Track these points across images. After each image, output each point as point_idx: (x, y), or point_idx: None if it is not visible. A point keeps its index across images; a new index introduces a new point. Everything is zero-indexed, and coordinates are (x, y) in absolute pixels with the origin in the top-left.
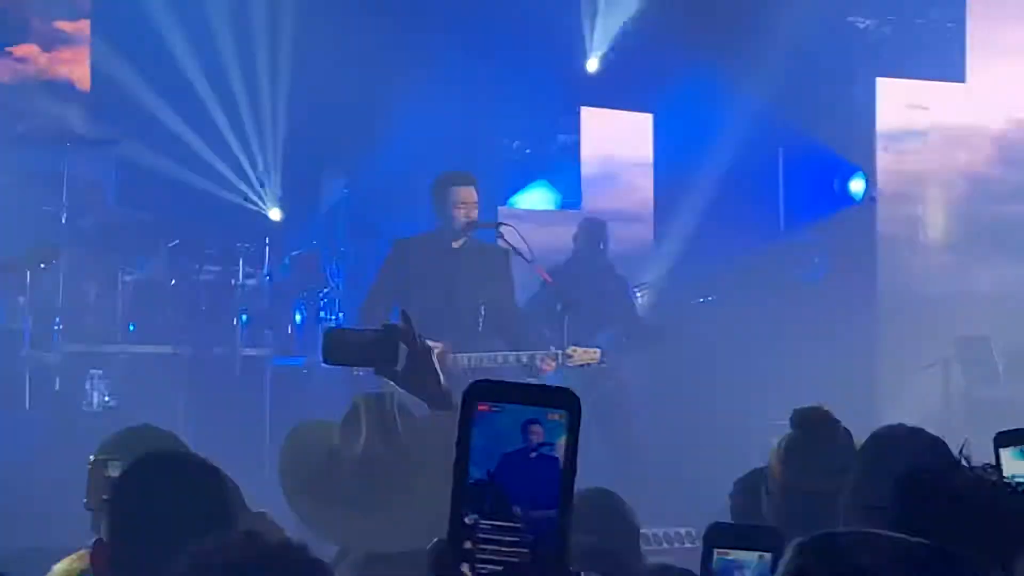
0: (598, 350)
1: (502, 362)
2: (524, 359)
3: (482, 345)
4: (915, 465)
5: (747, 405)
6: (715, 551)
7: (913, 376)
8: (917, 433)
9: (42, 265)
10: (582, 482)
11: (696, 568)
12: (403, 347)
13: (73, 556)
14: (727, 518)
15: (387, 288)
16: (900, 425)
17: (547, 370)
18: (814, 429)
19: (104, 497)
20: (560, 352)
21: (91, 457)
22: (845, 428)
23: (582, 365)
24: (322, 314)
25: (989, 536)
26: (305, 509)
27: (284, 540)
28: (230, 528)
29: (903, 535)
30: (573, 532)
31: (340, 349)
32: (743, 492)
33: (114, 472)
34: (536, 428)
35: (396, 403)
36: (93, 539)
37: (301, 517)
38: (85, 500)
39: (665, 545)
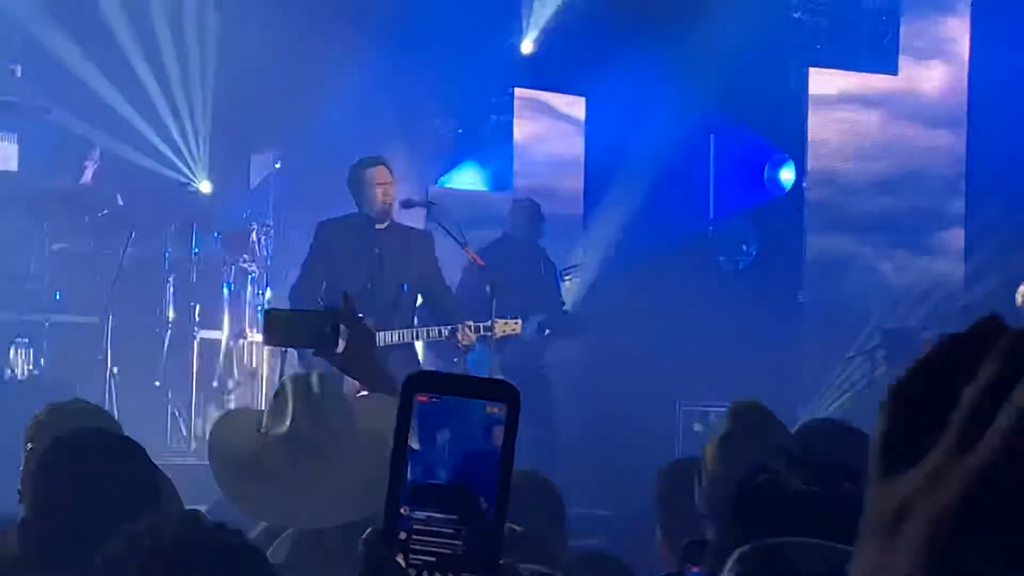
0: (519, 321)
1: (426, 337)
2: (445, 332)
3: (406, 325)
4: (758, 466)
5: (672, 390)
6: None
7: (839, 366)
8: (844, 427)
9: None
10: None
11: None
12: (343, 329)
13: None
14: (651, 505)
15: (316, 270)
16: (828, 419)
17: (466, 342)
18: (750, 422)
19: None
20: (481, 325)
21: (28, 444)
22: (782, 423)
23: (503, 336)
24: (250, 288)
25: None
26: (231, 487)
27: (219, 523)
28: (157, 510)
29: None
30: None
31: (280, 330)
32: (668, 482)
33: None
34: (474, 421)
35: (323, 383)
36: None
37: (228, 495)
38: (19, 488)
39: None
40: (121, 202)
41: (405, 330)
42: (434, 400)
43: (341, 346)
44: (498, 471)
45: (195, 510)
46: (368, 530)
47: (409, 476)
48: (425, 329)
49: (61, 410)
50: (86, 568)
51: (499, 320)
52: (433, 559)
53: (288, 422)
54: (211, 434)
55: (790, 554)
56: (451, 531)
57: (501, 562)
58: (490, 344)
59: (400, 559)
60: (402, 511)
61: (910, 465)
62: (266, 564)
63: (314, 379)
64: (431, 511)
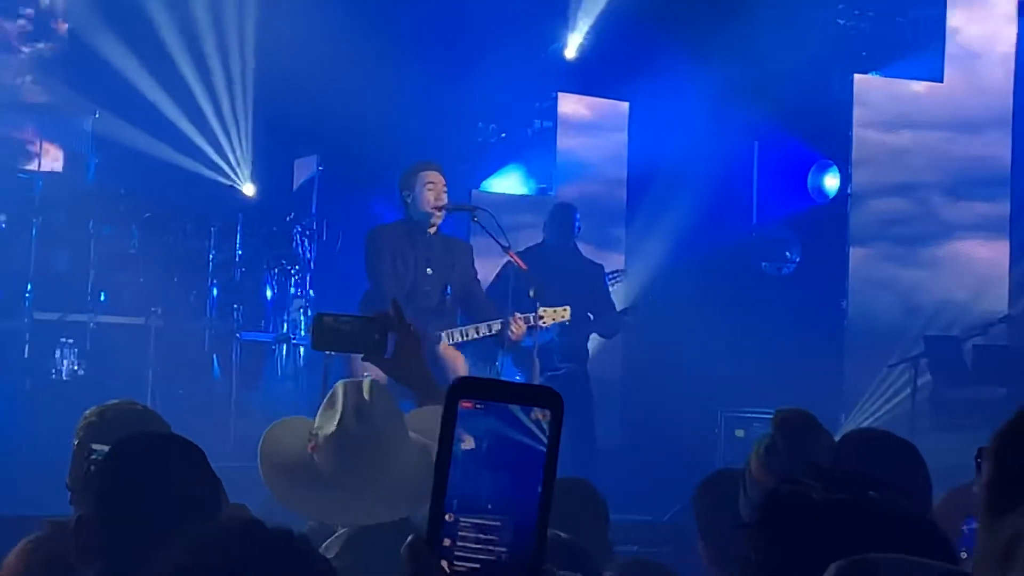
0: (567, 308)
1: (475, 335)
2: (496, 327)
3: (448, 327)
4: (788, 477)
5: (714, 396)
6: None
7: (881, 373)
8: (887, 437)
9: None
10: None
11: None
12: (392, 335)
13: (24, 544)
14: (689, 511)
15: (385, 273)
16: (870, 428)
17: (518, 333)
18: (796, 432)
19: (88, 472)
20: (531, 315)
21: (75, 440)
22: (827, 431)
23: (553, 324)
24: (292, 290)
25: (842, 549)
26: (281, 487)
27: (286, 530)
28: (219, 513)
29: (945, 565)
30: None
31: (329, 335)
32: (708, 493)
33: (98, 454)
34: (519, 426)
35: (374, 388)
36: (75, 516)
37: (277, 495)
38: (68, 480)
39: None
40: (141, 204)
41: (455, 330)
42: (478, 406)
43: (390, 352)
44: (541, 477)
45: (257, 519)
46: (412, 536)
47: (453, 482)
48: (475, 327)
49: (111, 411)
50: (144, 572)
51: (547, 308)
52: (477, 565)
53: (336, 423)
54: (263, 439)
55: (885, 569)
56: (494, 537)
57: (543, 568)
58: (535, 339)
59: (444, 565)
60: (446, 517)
61: (1016, 505)
62: (332, 572)
63: (365, 384)
64: (475, 517)
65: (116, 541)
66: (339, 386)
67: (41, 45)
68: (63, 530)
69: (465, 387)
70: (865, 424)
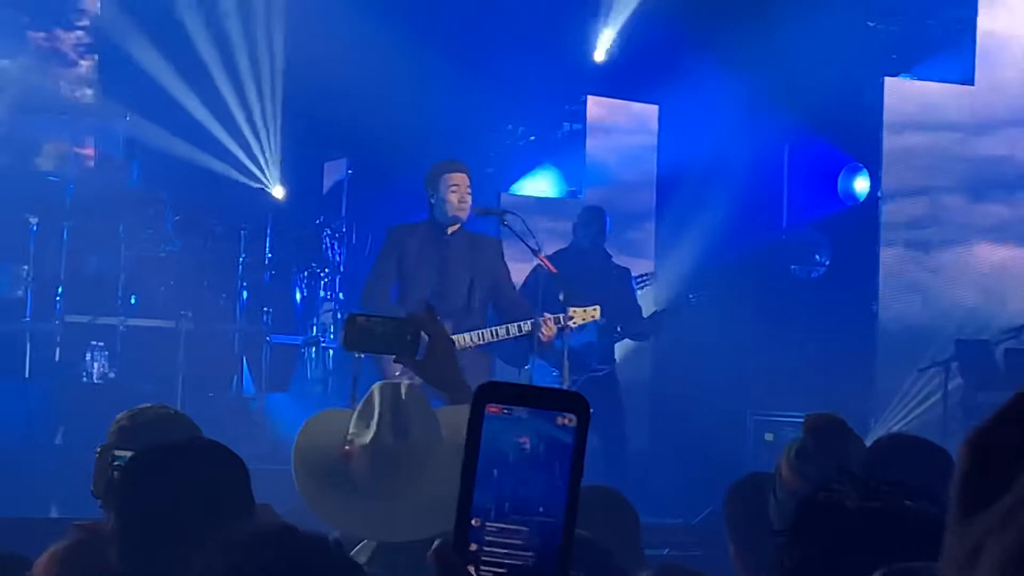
0: (597, 307)
1: (505, 335)
2: (526, 327)
3: (476, 328)
4: (820, 485)
5: (743, 400)
6: None
7: (912, 377)
8: (919, 443)
9: None
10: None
11: (698, 565)
12: (424, 336)
13: (54, 549)
14: (719, 514)
15: (384, 274)
16: (901, 433)
17: (548, 334)
18: (827, 436)
19: (112, 479)
20: (560, 316)
21: (97, 449)
22: (858, 436)
23: (583, 324)
24: (322, 293)
25: (876, 558)
26: (313, 494)
27: (320, 536)
28: (250, 518)
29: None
30: (576, 532)
31: (361, 336)
32: (737, 497)
33: (121, 460)
34: (545, 431)
35: (411, 393)
36: (109, 520)
37: (309, 501)
38: (92, 487)
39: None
40: (170, 208)
41: (484, 330)
42: (505, 411)
43: (422, 353)
44: (568, 483)
45: (291, 525)
46: (438, 541)
47: (480, 487)
48: (504, 327)
49: (142, 415)
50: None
51: (577, 308)
52: (503, 571)
53: (372, 433)
54: (300, 434)
55: None
56: (521, 543)
57: (570, 574)
58: (564, 340)
59: (471, 570)
60: (473, 523)
61: (986, 508)
62: None
63: (402, 390)
64: (502, 523)
65: (143, 547)
66: (375, 390)
67: (88, 57)
68: (92, 534)
69: (491, 392)
70: (896, 428)
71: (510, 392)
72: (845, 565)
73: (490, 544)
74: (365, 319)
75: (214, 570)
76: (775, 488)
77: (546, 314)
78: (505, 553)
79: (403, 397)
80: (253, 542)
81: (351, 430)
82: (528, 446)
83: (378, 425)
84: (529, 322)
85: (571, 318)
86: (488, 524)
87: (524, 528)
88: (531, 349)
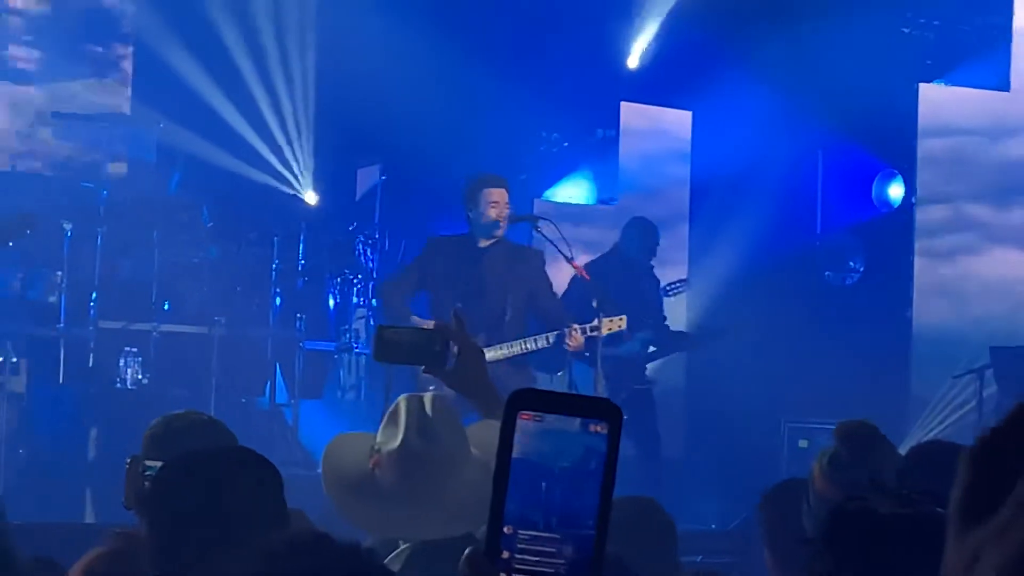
0: (624, 317)
1: (531, 347)
2: (552, 339)
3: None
4: (854, 492)
5: (777, 407)
6: None
7: (946, 385)
8: (955, 451)
9: (27, 231)
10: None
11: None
12: (453, 348)
13: (90, 557)
14: (754, 521)
15: (413, 278)
16: (937, 441)
17: (575, 344)
18: (859, 443)
19: (143, 489)
20: (587, 326)
21: (128, 458)
22: (890, 443)
23: (610, 333)
24: (355, 300)
25: (908, 565)
26: (344, 502)
27: (353, 544)
28: (284, 526)
29: None
30: (612, 542)
31: (391, 346)
32: (773, 504)
33: (152, 470)
34: (577, 439)
35: (436, 402)
36: (144, 527)
37: (339, 510)
38: (124, 499)
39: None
40: (204, 213)
41: (511, 343)
42: (537, 418)
43: (451, 364)
44: (600, 490)
45: (324, 532)
46: (470, 548)
47: (512, 494)
48: (533, 339)
49: (177, 421)
50: None
51: (605, 318)
52: None
53: (400, 439)
54: (325, 453)
55: None
56: (553, 550)
57: None
58: (597, 352)
59: None
60: (505, 530)
61: (985, 517)
62: None
63: (427, 399)
64: (533, 530)
65: (175, 555)
66: (401, 401)
67: (123, 64)
68: (129, 541)
69: (524, 399)
70: (930, 436)
71: (542, 399)
72: (876, 573)
73: (522, 552)
74: (393, 331)
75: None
76: (808, 495)
77: (573, 325)
78: (537, 561)
79: (429, 407)
80: (287, 550)
81: (378, 439)
82: (560, 454)
83: (405, 431)
84: (555, 333)
85: (596, 328)
86: (520, 532)
87: (556, 536)
88: (566, 360)
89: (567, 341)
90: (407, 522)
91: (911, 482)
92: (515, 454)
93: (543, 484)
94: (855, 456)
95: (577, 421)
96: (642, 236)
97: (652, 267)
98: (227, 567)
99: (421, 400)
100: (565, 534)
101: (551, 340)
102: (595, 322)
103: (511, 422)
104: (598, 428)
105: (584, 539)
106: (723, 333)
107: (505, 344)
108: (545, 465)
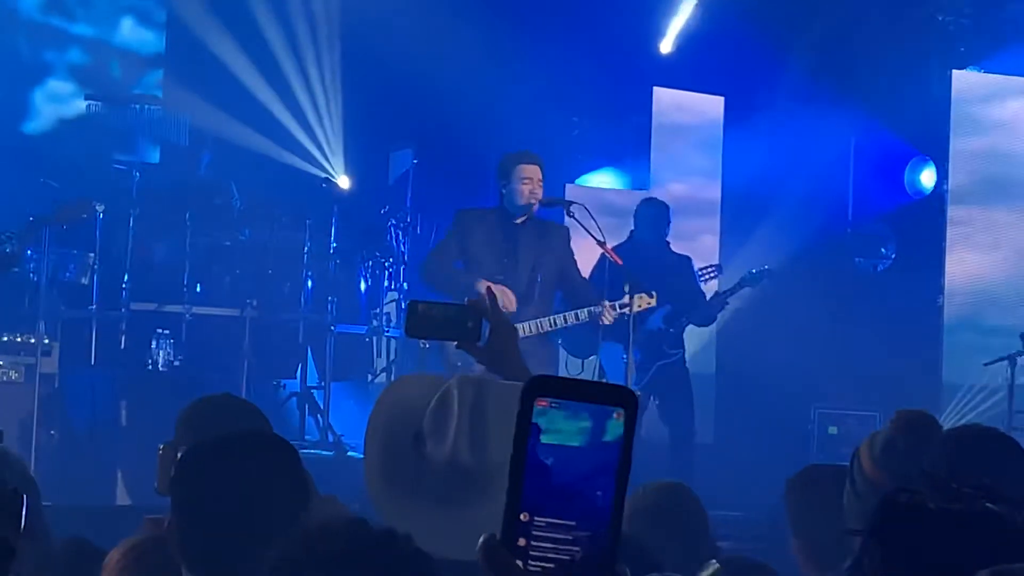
0: (654, 294)
1: (562, 323)
2: (584, 315)
3: (540, 316)
4: (900, 486)
5: (807, 393)
6: None
7: (976, 372)
8: (989, 433)
9: (83, 216)
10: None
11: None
12: (486, 323)
13: (127, 544)
14: (781, 510)
15: (449, 252)
16: (975, 425)
17: (609, 320)
18: (919, 434)
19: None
20: (617, 303)
21: (161, 445)
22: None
23: (642, 311)
24: (386, 283)
25: (957, 561)
26: (381, 496)
27: (389, 529)
28: (306, 512)
29: None
30: (644, 527)
31: (424, 322)
32: (798, 489)
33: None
34: (593, 425)
35: (494, 394)
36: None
37: (375, 501)
38: (156, 484)
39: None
40: (236, 196)
41: (545, 319)
42: (554, 405)
43: (484, 340)
44: (615, 476)
45: (361, 517)
46: (485, 535)
47: (528, 481)
48: (563, 315)
49: (209, 404)
50: (243, 569)
51: (636, 295)
52: (551, 565)
53: (449, 445)
54: (379, 401)
55: None
56: (569, 537)
57: (617, 568)
58: (630, 332)
59: (519, 564)
60: (521, 517)
61: None
62: (433, 572)
63: (484, 387)
64: (549, 517)
65: (200, 540)
66: (454, 389)
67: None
68: (163, 528)
69: (540, 386)
70: (962, 423)
71: (559, 386)
72: (925, 567)
73: (538, 539)
74: (426, 306)
75: (287, 562)
76: (852, 480)
77: (606, 301)
78: (553, 548)
79: (482, 401)
80: (323, 534)
81: (426, 425)
82: (576, 440)
83: (455, 439)
84: (587, 310)
85: (626, 305)
86: (536, 519)
87: (572, 523)
88: (597, 339)
89: (602, 317)
90: (447, 536)
91: (955, 468)
92: (532, 441)
93: (559, 471)
94: (913, 446)
95: (594, 407)
96: (649, 217)
97: (668, 244)
98: (260, 552)
99: (477, 391)
100: (581, 521)
101: (582, 317)
102: (625, 299)
103: (528, 408)
104: (615, 415)
105: (600, 525)
106: (753, 280)
107: (537, 319)
108: (561, 452)
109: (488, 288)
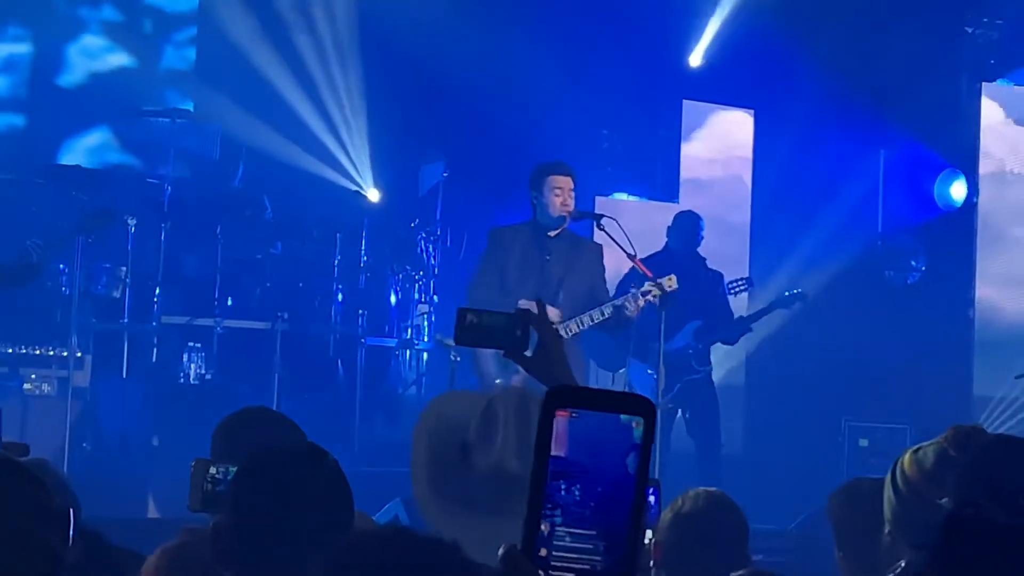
0: (673, 276)
1: (590, 321)
2: (608, 310)
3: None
4: (964, 501)
5: (837, 405)
6: None
7: (1007, 385)
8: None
9: (108, 225)
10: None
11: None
12: (534, 333)
13: (160, 553)
14: (820, 518)
15: (491, 277)
16: (1011, 436)
17: (634, 309)
18: (974, 448)
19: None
20: (639, 291)
21: (193, 461)
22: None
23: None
24: (416, 296)
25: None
26: (430, 507)
27: (435, 537)
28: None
29: None
30: (687, 534)
31: (472, 330)
32: (844, 503)
33: (217, 473)
34: (613, 435)
35: (536, 405)
36: (211, 524)
37: (422, 507)
38: (188, 502)
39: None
40: (269, 209)
41: (569, 321)
42: (574, 415)
43: (532, 350)
44: (634, 485)
45: (407, 527)
46: (507, 545)
47: (549, 491)
48: (588, 314)
49: (247, 417)
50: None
51: (660, 280)
52: (572, 574)
53: (496, 452)
54: (420, 422)
55: None
56: (590, 547)
57: None
58: (660, 344)
59: (540, 574)
60: (542, 527)
61: None
62: None
63: (526, 399)
64: (570, 527)
65: (250, 551)
66: (499, 401)
67: (188, 57)
68: (199, 538)
69: (561, 396)
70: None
71: (578, 396)
72: None
73: (559, 548)
74: (475, 314)
75: (337, 568)
76: (896, 490)
77: (631, 291)
78: (574, 557)
79: (528, 409)
80: (373, 542)
81: (471, 434)
82: (596, 450)
83: (502, 446)
84: (611, 304)
85: (648, 292)
86: (557, 528)
87: (592, 532)
88: (627, 352)
89: (626, 306)
90: (487, 542)
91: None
92: (552, 451)
93: (580, 481)
94: (968, 461)
95: (613, 417)
96: (682, 229)
97: (703, 259)
98: (311, 558)
99: (521, 401)
100: (601, 530)
101: (606, 313)
102: (645, 286)
103: (549, 419)
104: (633, 424)
105: (620, 535)
106: (785, 303)
107: (564, 323)
108: (582, 462)
109: (538, 300)
